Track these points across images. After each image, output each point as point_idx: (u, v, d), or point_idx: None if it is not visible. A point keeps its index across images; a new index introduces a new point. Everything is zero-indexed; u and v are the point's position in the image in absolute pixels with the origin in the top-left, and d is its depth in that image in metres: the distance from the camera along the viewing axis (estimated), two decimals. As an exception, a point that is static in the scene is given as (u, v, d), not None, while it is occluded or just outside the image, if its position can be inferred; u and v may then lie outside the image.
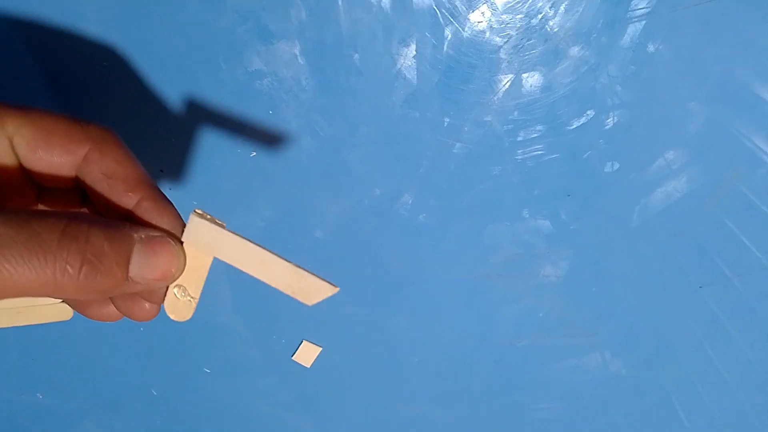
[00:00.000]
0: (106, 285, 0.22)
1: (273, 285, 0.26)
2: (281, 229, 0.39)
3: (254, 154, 0.37)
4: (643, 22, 0.32)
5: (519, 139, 0.35)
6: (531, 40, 0.33)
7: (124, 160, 0.25)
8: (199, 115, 0.36)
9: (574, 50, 0.33)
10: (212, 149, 0.37)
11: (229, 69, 0.35)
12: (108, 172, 0.25)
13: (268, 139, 0.36)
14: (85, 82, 0.36)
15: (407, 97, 0.35)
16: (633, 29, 0.33)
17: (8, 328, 0.39)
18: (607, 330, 0.40)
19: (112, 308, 0.27)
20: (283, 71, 0.35)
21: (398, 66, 0.34)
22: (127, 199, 0.25)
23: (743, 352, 0.39)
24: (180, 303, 0.26)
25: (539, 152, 0.36)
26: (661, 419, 0.42)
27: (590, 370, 0.41)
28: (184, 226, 0.25)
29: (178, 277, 0.25)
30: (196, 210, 0.25)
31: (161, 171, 0.37)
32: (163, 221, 0.25)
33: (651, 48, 0.33)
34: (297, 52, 0.34)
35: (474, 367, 0.42)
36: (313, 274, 0.26)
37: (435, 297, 0.40)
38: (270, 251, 0.25)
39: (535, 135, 0.35)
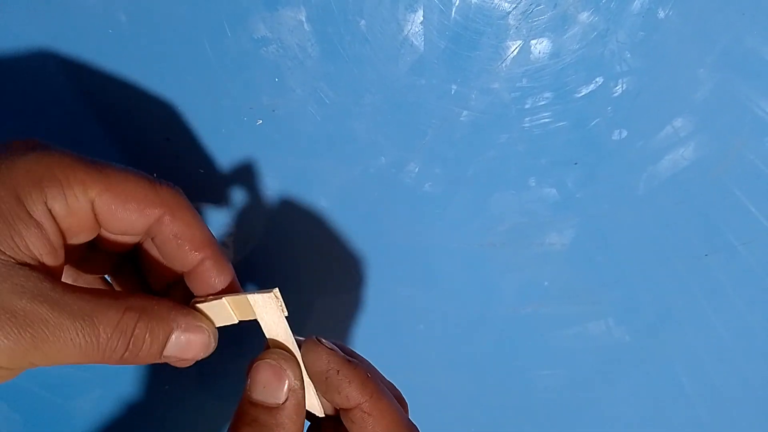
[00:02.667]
0: (141, 362, 0.26)
1: None
2: (286, 198, 0.39)
3: (260, 122, 0.37)
4: (654, -13, 0.32)
5: (526, 106, 0.35)
6: (540, 5, 0.33)
7: (192, 222, 0.28)
8: (204, 82, 0.36)
9: (584, 16, 0.33)
10: (218, 117, 0.37)
11: (234, 36, 0.35)
12: (178, 233, 0.28)
13: (274, 106, 0.36)
14: (90, 48, 0.35)
15: (413, 64, 0.35)
16: (643, -6, 0.32)
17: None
18: (612, 298, 0.40)
19: None
20: (288, 38, 0.35)
21: (405, 32, 0.34)
22: (193, 257, 0.28)
23: (747, 320, 0.40)
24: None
25: (546, 120, 0.35)
26: (665, 387, 0.42)
27: (594, 337, 0.41)
28: (237, 285, 0.29)
29: (204, 356, 0.28)
30: (276, 293, 0.28)
31: (167, 139, 0.37)
32: (221, 279, 0.29)
33: (661, 14, 0.32)
34: (303, 19, 0.34)
35: (478, 335, 0.42)
36: (315, 394, 0.29)
37: (439, 265, 0.40)
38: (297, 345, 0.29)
39: (542, 102, 0.35)
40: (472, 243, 0.39)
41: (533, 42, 0.33)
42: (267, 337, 0.28)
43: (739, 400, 0.42)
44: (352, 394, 0.27)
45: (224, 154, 0.38)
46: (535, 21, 0.33)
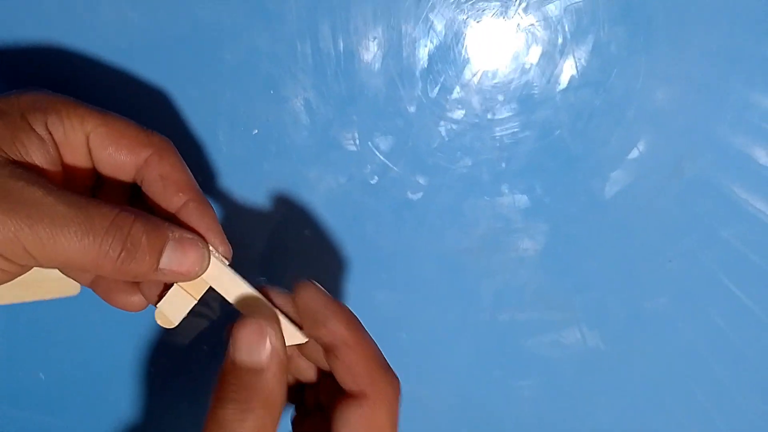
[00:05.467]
0: (138, 270, 0.27)
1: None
2: (277, 202, 0.42)
3: (256, 131, 0.40)
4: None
5: (497, 117, 0.39)
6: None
7: (178, 166, 0.31)
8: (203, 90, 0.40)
9: (545, 35, 0.37)
10: (215, 125, 0.40)
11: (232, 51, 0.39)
12: (164, 174, 0.30)
13: (268, 116, 0.40)
14: (84, 45, 0.39)
15: (394, 77, 0.39)
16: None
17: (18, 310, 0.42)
18: (584, 303, 0.42)
19: (136, 298, 0.32)
20: (282, 51, 0.39)
21: (384, 49, 0.38)
22: (177, 199, 0.30)
23: (715, 322, 0.42)
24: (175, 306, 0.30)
25: (514, 130, 0.39)
26: (641, 392, 0.43)
27: (569, 345, 0.43)
28: (218, 226, 0.30)
29: (200, 275, 0.29)
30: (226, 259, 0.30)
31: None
32: (204, 221, 0.30)
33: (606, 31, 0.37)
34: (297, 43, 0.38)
35: (458, 342, 0.44)
36: (291, 323, 0.30)
37: (420, 270, 0.42)
38: (259, 296, 0.30)
39: (509, 114, 0.39)
40: (450, 248, 0.42)
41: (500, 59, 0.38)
42: (231, 301, 0.30)
43: (713, 400, 0.43)
44: (337, 328, 0.28)
45: (220, 160, 0.41)
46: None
